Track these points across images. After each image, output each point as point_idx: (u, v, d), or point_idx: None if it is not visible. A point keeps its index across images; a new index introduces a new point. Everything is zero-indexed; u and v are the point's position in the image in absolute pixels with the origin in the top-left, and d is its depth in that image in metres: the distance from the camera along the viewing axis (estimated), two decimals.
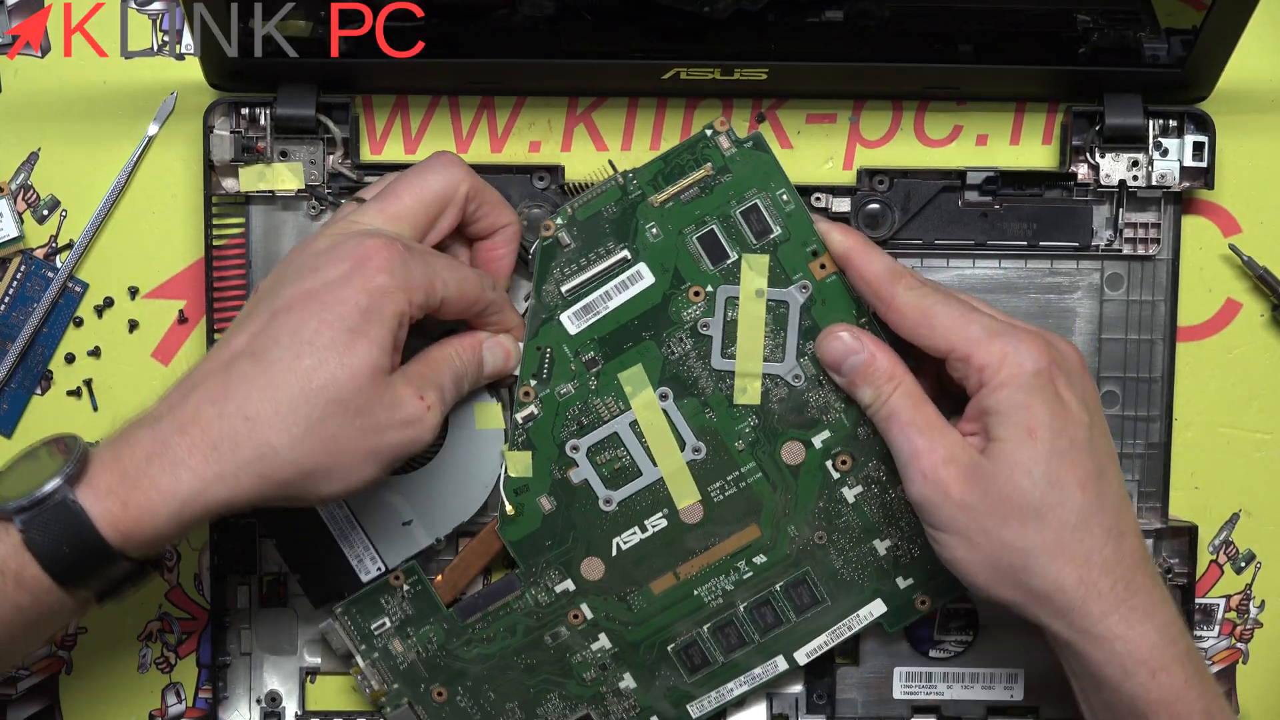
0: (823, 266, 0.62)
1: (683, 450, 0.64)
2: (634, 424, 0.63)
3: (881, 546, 0.64)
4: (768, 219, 0.62)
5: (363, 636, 0.65)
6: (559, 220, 0.63)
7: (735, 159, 0.62)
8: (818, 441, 0.64)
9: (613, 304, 0.63)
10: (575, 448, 0.64)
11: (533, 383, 0.63)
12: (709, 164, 0.62)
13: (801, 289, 0.62)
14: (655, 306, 0.63)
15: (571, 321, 0.63)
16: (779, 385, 0.63)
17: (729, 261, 0.62)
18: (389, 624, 0.65)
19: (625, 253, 0.63)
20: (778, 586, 0.65)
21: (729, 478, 0.64)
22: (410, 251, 0.57)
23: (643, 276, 0.63)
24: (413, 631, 0.65)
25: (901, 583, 0.65)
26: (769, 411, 0.63)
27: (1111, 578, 0.56)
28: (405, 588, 0.65)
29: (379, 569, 0.65)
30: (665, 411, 0.63)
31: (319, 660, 0.68)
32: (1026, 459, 0.56)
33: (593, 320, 0.63)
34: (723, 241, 0.62)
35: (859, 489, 0.64)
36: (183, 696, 0.70)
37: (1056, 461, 0.56)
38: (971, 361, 0.57)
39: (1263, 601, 0.70)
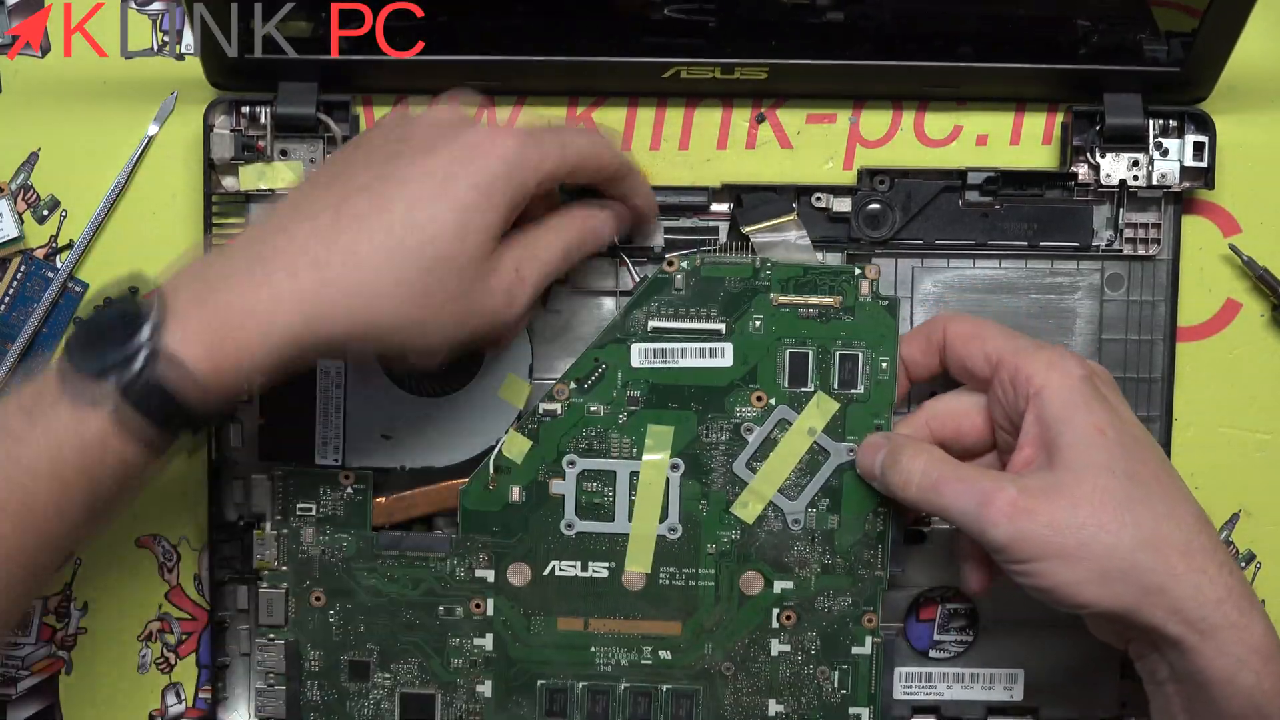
0: None
1: (660, 522, 0.64)
2: (635, 474, 0.63)
3: (773, 708, 0.65)
4: (859, 375, 0.63)
5: (285, 508, 0.64)
6: (684, 264, 0.63)
7: (864, 307, 0.63)
8: (778, 587, 0.64)
9: (682, 363, 0.63)
10: (571, 463, 0.64)
11: (572, 385, 0.63)
12: (840, 297, 0.63)
13: (849, 451, 0.63)
14: (717, 389, 0.63)
15: (639, 355, 0.63)
16: (776, 519, 0.63)
17: (803, 389, 0.63)
18: (315, 512, 0.64)
19: (721, 326, 0.63)
20: (665, 687, 0.65)
21: (684, 570, 0.64)
22: (536, 128, 0.56)
23: (723, 356, 0.63)
24: (330, 531, 0.64)
25: None
26: (754, 535, 0.64)
27: (1215, 562, 0.54)
28: (349, 489, 0.64)
29: (335, 461, 0.64)
30: (668, 480, 0.63)
31: None
32: (1105, 457, 0.55)
33: (657, 366, 0.63)
34: (809, 369, 0.63)
35: (786, 648, 0.64)
36: (183, 697, 0.69)
37: (1130, 457, 0.55)
38: (1021, 370, 0.57)
39: (1263, 601, 0.69)
